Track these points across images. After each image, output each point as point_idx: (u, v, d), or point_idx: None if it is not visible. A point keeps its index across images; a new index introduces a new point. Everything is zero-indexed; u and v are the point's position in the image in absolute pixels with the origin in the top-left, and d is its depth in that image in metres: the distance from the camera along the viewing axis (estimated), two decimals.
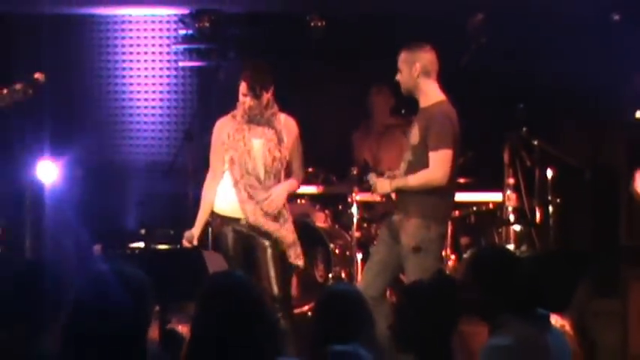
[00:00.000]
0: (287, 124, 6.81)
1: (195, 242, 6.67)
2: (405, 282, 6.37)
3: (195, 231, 6.72)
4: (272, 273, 6.60)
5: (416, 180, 6.41)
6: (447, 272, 8.18)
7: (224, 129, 6.76)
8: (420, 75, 6.45)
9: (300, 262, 6.78)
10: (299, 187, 6.99)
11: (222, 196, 6.74)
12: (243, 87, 6.62)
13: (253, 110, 6.61)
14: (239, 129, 6.68)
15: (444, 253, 8.18)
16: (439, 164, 6.34)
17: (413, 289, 4.19)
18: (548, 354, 4.25)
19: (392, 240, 6.53)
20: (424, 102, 6.51)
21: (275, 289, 6.59)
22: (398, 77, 6.52)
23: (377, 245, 6.78)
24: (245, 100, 6.62)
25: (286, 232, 6.71)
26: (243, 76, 6.63)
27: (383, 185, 6.51)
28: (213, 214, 6.83)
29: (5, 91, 6.84)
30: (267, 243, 6.65)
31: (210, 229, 7.10)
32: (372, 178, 6.59)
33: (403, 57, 6.49)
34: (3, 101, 6.83)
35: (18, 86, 6.90)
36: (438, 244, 6.52)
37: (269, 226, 6.64)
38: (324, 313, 4.10)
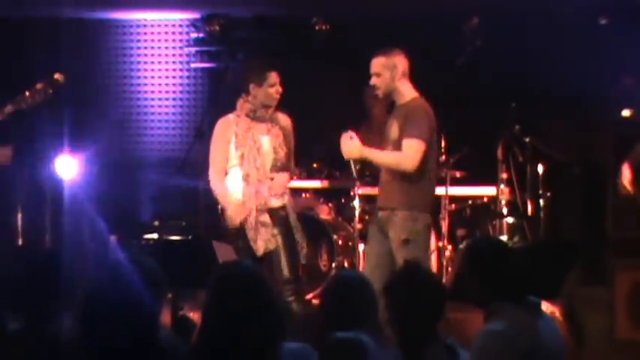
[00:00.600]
0: (286, 121, 6.77)
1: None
2: None
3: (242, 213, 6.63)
4: (283, 259, 6.56)
5: (386, 158, 6.36)
6: (436, 262, 8.19)
7: (229, 128, 6.69)
8: (400, 77, 6.44)
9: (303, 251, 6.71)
10: (292, 179, 6.95)
11: (232, 191, 6.71)
12: (274, 77, 6.57)
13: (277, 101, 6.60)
14: (247, 127, 6.66)
15: (440, 244, 8.18)
16: (411, 151, 6.28)
17: (386, 286, 4.20)
18: (539, 339, 4.24)
19: (381, 235, 6.47)
20: (401, 100, 6.48)
21: (286, 273, 6.55)
22: (375, 81, 6.43)
23: (369, 243, 6.69)
24: (276, 90, 6.57)
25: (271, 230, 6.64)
26: (270, 67, 6.59)
27: (352, 149, 6.40)
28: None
29: (27, 93, 6.83)
30: (276, 231, 6.59)
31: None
32: (345, 138, 6.42)
33: (383, 62, 6.42)
34: (25, 103, 6.82)
35: (39, 86, 6.89)
36: (425, 236, 6.46)
37: (260, 218, 6.56)
38: (331, 299, 4.09)
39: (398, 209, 6.36)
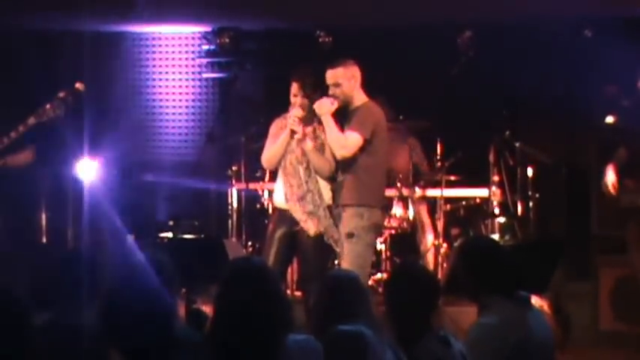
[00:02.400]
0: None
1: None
2: (342, 266, 6.24)
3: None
4: (309, 257, 6.48)
5: (334, 133, 6.28)
6: (432, 259, 8.18)
7: (274, 126, 6.66)
8: (357, 87, 6.41)
9: (339, 248, 6.39)
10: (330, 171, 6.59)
11: (277, 191, 6.65)
12: (294, 87, 6.47)
13: (304, 108, 6.43)
14: (283, 127, 6.60)
15: (436, 242, 8.17)
16: (348, 141, 6.26)
17: (384, 281, 4.21)
18: (529, 331, 4.24)
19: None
20: (355, 103, 6.42)
21: (308, 271, 6.51)
22: (335, 92, 6.36)
23: None
24: (295, 100, 6.47)
25: (322, 217, 6.47)
26: (294, 77, 6.48)
27: (324, 107, 6.30)
28: (273, 208, 6.80)
29: (48, 106, 6.81)
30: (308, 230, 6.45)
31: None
32: (328, 99, 6.32)
33: (342, 73, 6.37)
34: (46, 116, 6.80)
35: (61, 94, 6.89)
36: (371, 233, 6.36)
37: (305, 208, 6.44)
38: (328, 295, 4.08)
39: (347, 206, 6.32)
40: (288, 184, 6.49)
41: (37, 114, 6.78)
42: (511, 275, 4.33)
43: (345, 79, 6.38)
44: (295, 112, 6.44)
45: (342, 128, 6.40)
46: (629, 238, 7.10)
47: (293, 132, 6.46)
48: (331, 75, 6.41)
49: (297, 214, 6.43)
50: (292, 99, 6.51)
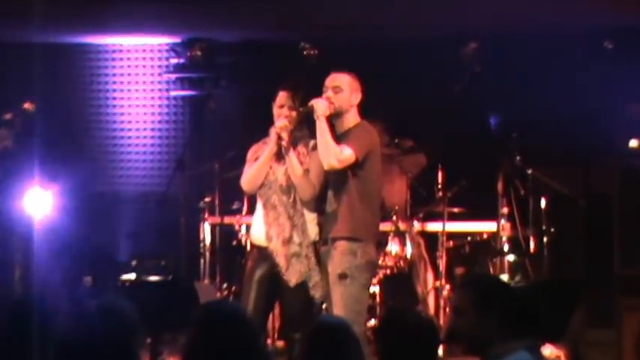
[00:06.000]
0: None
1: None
2: (334, 312, 6.25)
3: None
4: (292, 301, 6.43)
5: (326, 139, 6.24)
6: (433, 302, 8.20)
7: (255, 152, 6.63)
8: (355, 104, 6.44)
9: (317, 294, 6.40)
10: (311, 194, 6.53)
11: (256, 226, 6.62)
12: (282, 97, 6.46)
13: (291, 122, 6.40)
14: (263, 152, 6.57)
15: (438, 283, 8.18)
16: (341, 154, 6.23)
17: (375, 330, 4.22)
18: None
19: (324, 273, 6.43)
20: (347, 124, 6.39)
21: (292, 318, 6.49)
22: (332, 96, 6.34)
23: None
24: (280, 112, 6.44)
25: (304, 258, 6.44)
26: (285, 87, 6.46)
27: (322, 106, 6.27)
28: (251, 245, 6.78)
29: None
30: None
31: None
32: (322, 100, 6.32)
33: (348, 80, 6.38)
34: None
35: (7, 116, 6.91)
36: (365, 272, 6.33)
37: (289, 250, 6.41)
38: (314, 346, 4.08)
39: (337, 240, 6.29)
40: (273, 220, 6.46)
41: None
42: (522, 320, 4.33)
43: (349, 88, 6.38)
44: (281, 122, 6.42)
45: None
46: None
47: (279, 138, 6.42)
48: (335, 78, 6.40)
49: (280, 258, 6.42)
50: (276, 110, 6.47)
